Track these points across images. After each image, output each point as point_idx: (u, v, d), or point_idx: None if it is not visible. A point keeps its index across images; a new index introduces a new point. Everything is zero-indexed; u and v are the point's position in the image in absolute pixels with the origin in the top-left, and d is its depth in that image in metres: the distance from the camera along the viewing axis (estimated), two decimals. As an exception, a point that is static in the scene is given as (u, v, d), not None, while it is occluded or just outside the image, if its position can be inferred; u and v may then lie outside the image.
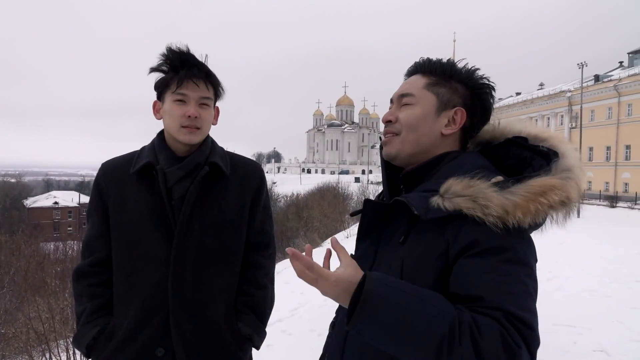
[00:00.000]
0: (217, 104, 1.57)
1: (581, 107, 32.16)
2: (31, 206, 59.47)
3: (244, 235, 1.55)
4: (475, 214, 0.90)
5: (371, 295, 0.82)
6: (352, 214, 1.24)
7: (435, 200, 0.95)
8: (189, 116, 1.42)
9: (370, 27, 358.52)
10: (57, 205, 60.38)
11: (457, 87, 1.10)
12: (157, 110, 1.51)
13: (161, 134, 1.54)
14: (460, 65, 1.12)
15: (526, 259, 0.92)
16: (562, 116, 48.40)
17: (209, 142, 1.54)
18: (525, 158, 1.04)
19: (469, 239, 0.91)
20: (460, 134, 1.10)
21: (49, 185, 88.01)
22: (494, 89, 1.12)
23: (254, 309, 1.55)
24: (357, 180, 66.19)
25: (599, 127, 42.81)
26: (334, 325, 1.19)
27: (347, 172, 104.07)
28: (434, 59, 1.14)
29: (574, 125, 43.19)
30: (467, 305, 0.86)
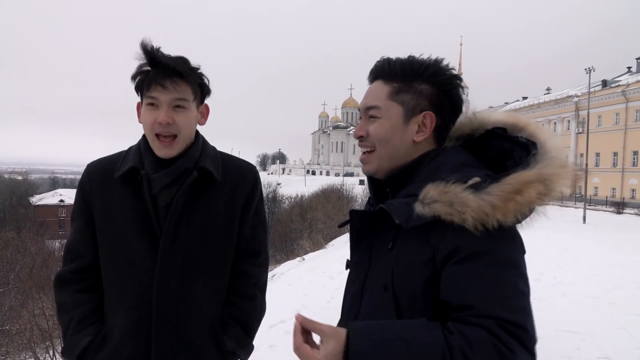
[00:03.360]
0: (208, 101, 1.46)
1: (588, 112, 31.97)
2: (37, 204, 59.80)
3: (234, 243, 1.47)
4: (452, 219, 0.90)
5: (358, 357, 0.84)
6: (340, 226, 1.25)
7: (416, 207, 0.95)
8: (160, 123, 1.31)
9: (377, 28, 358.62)
10: (62, 203, 60.66)
11: (422, 88, 1.06)
12: (140, 113, 1.40)
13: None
14: (421, 60, 1.08)
15: (511, 257, 0.92)
16: (568, 121, 48.14)
17: (199, 142, 1.44)
18: (506, 149, 1.03)
19: (452, 245, 0.91)
20: (433, 134, 1.08)
21: (55, 183, 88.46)
22: (460, 80, 1.09)
23: (240, 321, 1.47)
24: (361, 182, 66.01)
25: (606, 133, 42.55)
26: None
27: (351, 174, 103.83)
28: (394, 59, 1.10)
29: (580, 130, 42.96)
30: (459, 315, 0.88)
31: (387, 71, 1.09)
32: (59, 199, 61.60)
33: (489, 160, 1.05)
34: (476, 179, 0.94)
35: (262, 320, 1.58)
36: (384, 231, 1.04)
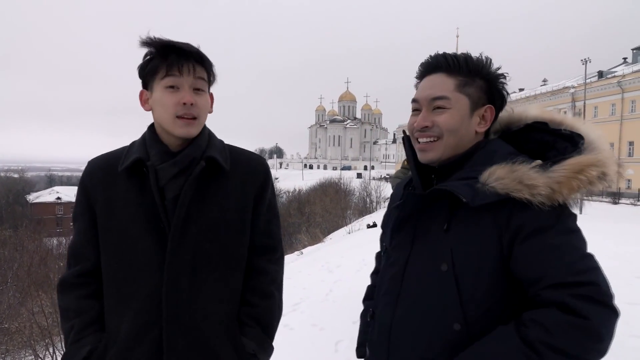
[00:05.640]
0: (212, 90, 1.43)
1: (584, 103, 32.04)
2: (34, 201, 59.75)
3: (248, 238, 1.40)
4: (523, 196, 0.96)
5: None
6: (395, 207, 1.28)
7: (482, 187, 1.00)
8: (184, 103, 1.28)
9: (372, 23, 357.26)
10: (59, 201, 60.59)
11: (480, 83, 1.14)
12: (144, 101, 1.36)
13: (152, 127, 1.38)
14: (477, 57, 1.15)
15: (573, 226, 1.00)
16: (565, 112, 46.06)
17: (205, 134, 1.39)
18: (547, 142, 1.11)
19: (518, 223, 0.98)
20: None
21: (51, 181, 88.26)
22: (506, 78, 1.18)
23: (259, 321, 1.39)
24: (359, 176, 66.06)
25: (602, 124, 42.54)
26: (371, 314, 1.26)
27: (349, 168, 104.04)
28: (458, 55, 1.16)
29: (576, 121, 42.84)
30: (533, 290, 0.96)
31: (451, 65, 1.14)
32: (56, 197, 61.49)
33: (526, 152, 1.11)
34: (539, 161, 1.02)
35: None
36: (432, 213, 1.10)
